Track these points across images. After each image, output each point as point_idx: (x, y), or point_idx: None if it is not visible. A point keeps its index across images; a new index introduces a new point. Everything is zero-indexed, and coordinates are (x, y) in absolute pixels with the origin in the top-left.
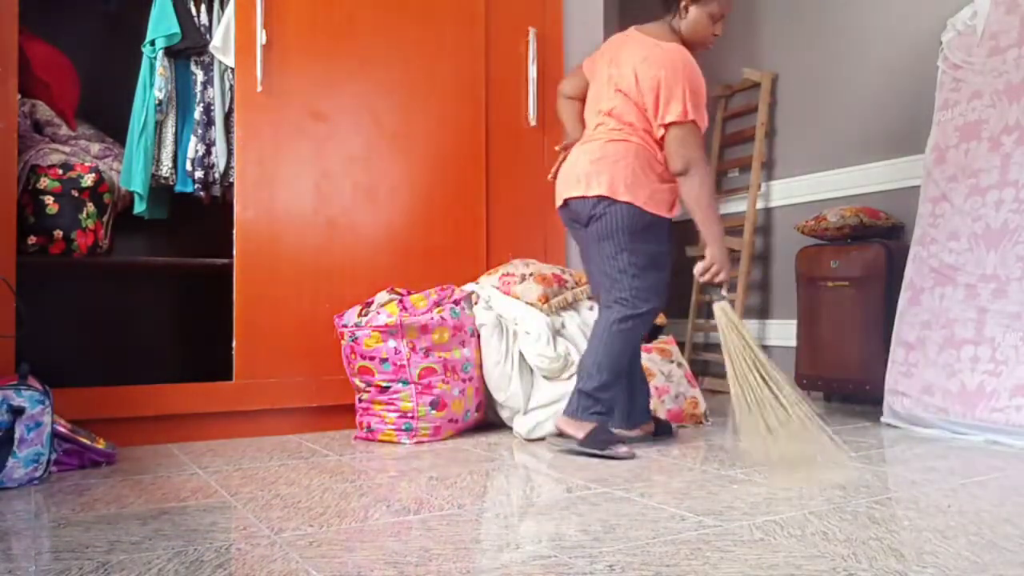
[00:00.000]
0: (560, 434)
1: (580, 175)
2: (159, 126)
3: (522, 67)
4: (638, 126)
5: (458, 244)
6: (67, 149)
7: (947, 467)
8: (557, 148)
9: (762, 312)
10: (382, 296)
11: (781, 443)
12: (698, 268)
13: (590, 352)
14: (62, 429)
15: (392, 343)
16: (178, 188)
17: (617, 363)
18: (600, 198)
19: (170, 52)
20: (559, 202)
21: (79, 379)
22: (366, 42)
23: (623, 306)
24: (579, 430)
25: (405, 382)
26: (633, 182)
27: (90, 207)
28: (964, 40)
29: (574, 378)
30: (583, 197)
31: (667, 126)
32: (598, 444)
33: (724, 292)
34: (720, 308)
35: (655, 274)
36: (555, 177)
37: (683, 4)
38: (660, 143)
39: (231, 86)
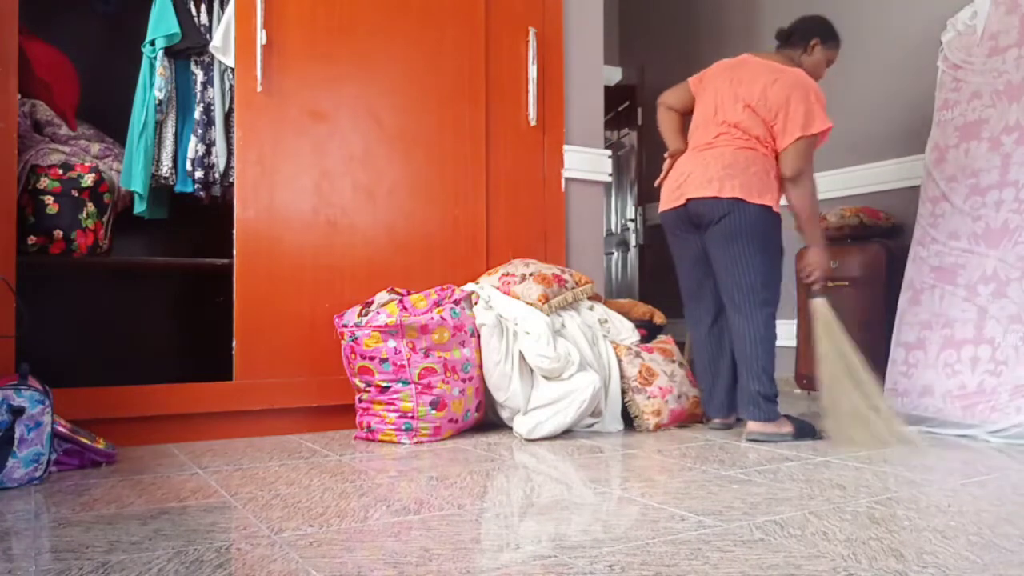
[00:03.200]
0: (760, 438)
1: (712, 178)
2: (159, 126)
3: (522, 67)
4: (762, 139)
5: (458, 244)
6: (67, 149)
7: (947, 467)
8: (666, 155)
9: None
10: (382, 296)
11: (865, 427)
12: (802, 266)
13: (754, 356)
14: (62, 429)
15: (392, 343)
16: (178, 188)
17: (773, 355)
18: (735, 200)
19: (170, 52)
20: (675, 204)
21: (79, 379)
22: (366, 42)
23: (768, 305)
24: (782, 427)
25: (405, 382)
26: (763, 187)
27: (90, 207)
28: (964, 40)
29: (574, 378)
30: (715, 198)
31: (797, 139)
32: (810, 434)
33: (817, 288)
34: (818, 304)
35: (779, 265)
36: (661, 183)
37: (813, 43)
38: (776, 154)
39: (231, 86)
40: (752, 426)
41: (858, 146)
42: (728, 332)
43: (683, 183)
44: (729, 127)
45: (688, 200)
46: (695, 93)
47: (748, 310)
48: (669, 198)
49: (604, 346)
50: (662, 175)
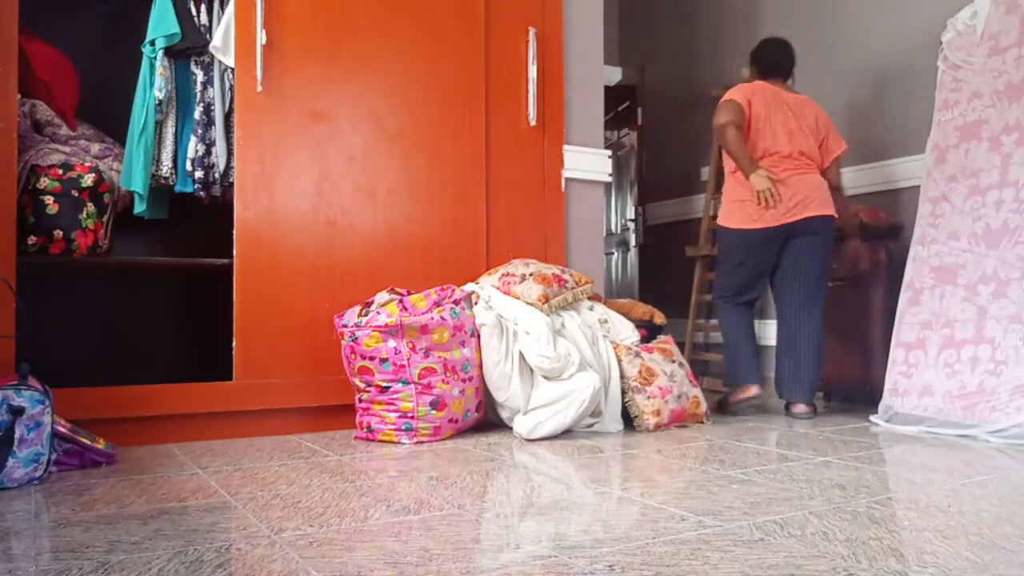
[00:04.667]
0: (808, 416)
1: (824, 200)
2: (159, 126)
3: (522, 67)
4: (819, 164)
5: (458, 244)
6: (67, 149)
7: (947, 467)
8: (769, 177)
9: (762, 312)
10: (382, 296)
11: None
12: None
13: (822, 349)
14: (62, 429)
15: (392, 343)
16: (178, 188)
17: None
18: (833, 217)
19: (170, 52)
20: (789, 219)
21: (79, 379)
22: (366, 42)
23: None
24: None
25: (405, 382)
26: None
27: (90, 207)
28: (964, 40)
29: (574, 378)
30: (829, 216)
31: (838, 157)
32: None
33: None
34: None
35: None
36: (771, 204)
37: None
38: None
39: (231, 86)
40: (804, 408)
41: (858, 146)
42: (786, 323)
43: (800, 203)
44: (803, 156)
45: (808, 217)
46: (752, 114)
47: (819, 308)
48: (781, 215)
49: (604, 346)
50: (772, 197)
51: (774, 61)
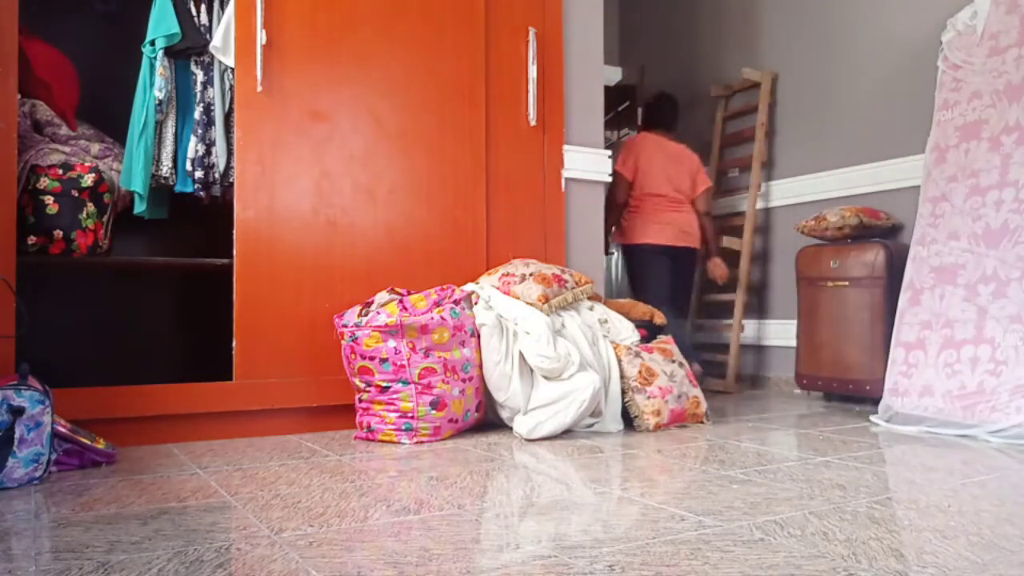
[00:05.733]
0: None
1: (693, 235)
2: (159, 126)
3: (522, 67)
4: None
5: (458, 244)
6: (67, 149)
7: (947, 467)
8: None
9: (762, 312)
10: (382, 296)
11: None
12: (712, 267)
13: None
14: (62, 429)
15: (392, 343)
16: (178, 188)
17: None
18: (697, 249)
19: (170, 52)
20: (670, 242)
21: (79, 379)
22: (366, 42)
23: None
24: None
25: (405, 382)
26: None
27: (90, 207)
28: (964, 40)
29: (574, 378)
30: (694, 248)
31: (704, 191)
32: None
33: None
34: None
35: None
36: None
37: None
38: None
39: (231, 86)
40: (698, 367)
41: (858, 146)
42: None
43: (679, 233)
44: (679, 193)
45: (684, 246)
46: (641, 169)
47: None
48: (671, 238)
49: (604, 346)
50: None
51: (661, 117)
